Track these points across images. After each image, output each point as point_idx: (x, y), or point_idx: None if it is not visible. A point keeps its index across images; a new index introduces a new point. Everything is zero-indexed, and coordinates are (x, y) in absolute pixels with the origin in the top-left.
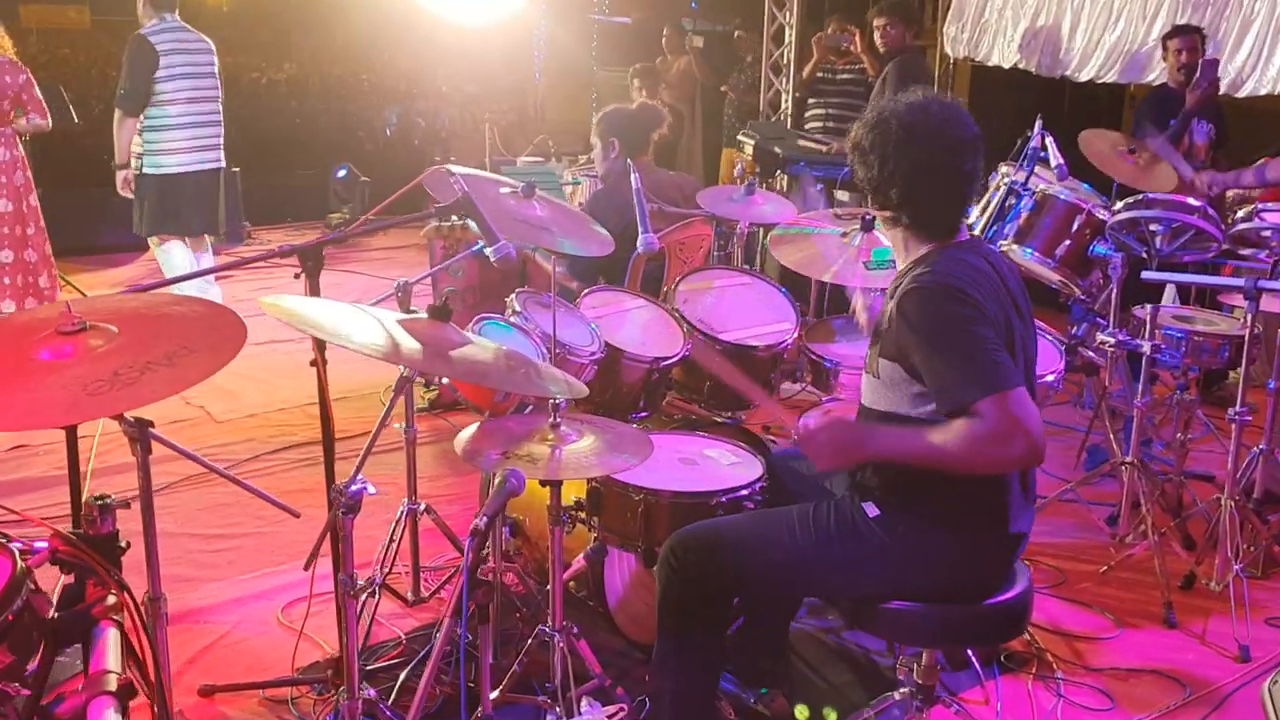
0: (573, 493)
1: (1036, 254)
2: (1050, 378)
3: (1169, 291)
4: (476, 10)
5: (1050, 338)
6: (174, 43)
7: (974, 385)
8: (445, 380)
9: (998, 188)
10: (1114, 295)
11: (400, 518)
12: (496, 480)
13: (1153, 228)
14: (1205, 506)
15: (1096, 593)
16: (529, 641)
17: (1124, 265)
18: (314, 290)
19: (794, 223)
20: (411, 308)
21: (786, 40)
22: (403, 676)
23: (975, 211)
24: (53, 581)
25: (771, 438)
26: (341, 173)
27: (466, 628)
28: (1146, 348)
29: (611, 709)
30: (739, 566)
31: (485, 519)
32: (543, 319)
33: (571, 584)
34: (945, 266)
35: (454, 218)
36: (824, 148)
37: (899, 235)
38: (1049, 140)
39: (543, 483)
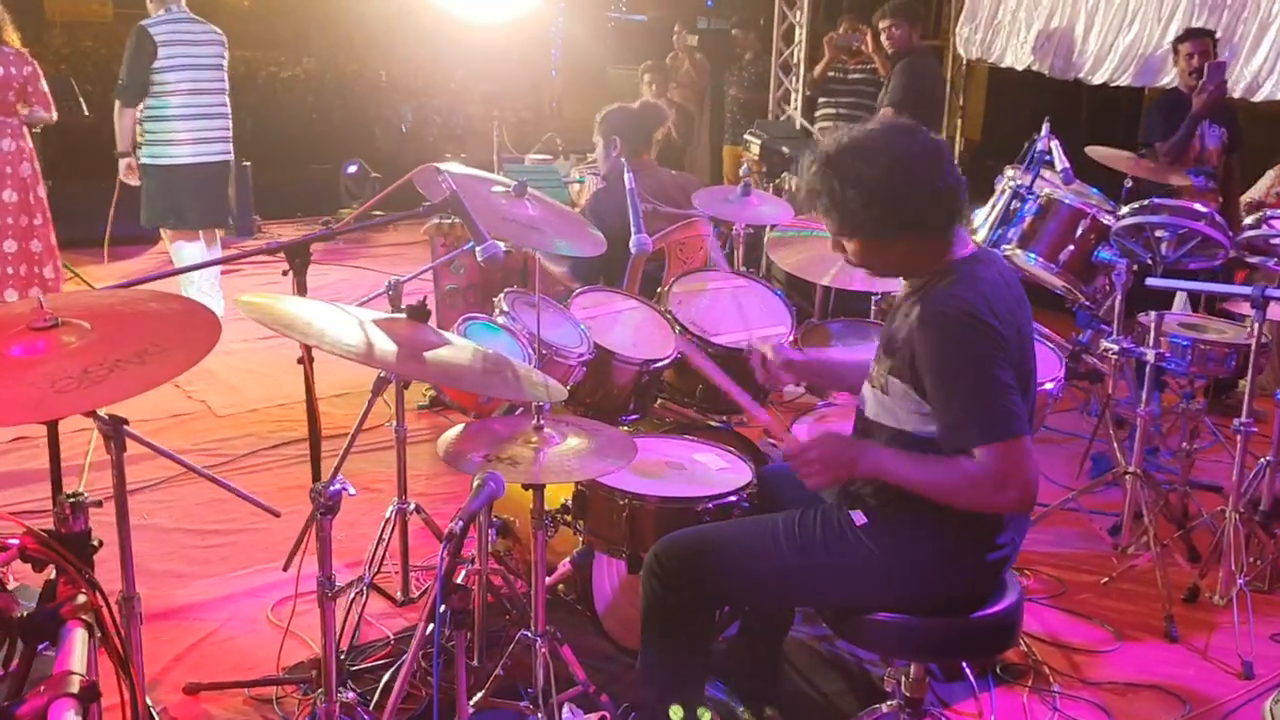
0: (561, 495)
1: (1040, 259)
2: (1050, 385)
3: (1179, 298)
4: (494, 8)
5: (1050, 345)
6: (175, 34)
7: (982, 430)
8: None
9: (1003, 191)
10: (1118, 302)
11: (390, 517)
12: (474, 484)
13: (1158, 234)
14: (1210, 518)
15: (1097, 604)
16: (512, 645)
17: (1129, 271)
18: (301, 288)
19: (792, 225)
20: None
21: (796, 39)
22: (385, 678)
23: (979, 215)
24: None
25: (771, 441)
26: (352, 168)
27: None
28: (1150, 355)
29: (594, 716)
30: (723, 574)
31: (460, 523)
32: (530, 319)
33: (561, 587)
34: (964, 291)
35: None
36: None
37: (906, 251)
38: (1055, 143)
39: (525, 486)
